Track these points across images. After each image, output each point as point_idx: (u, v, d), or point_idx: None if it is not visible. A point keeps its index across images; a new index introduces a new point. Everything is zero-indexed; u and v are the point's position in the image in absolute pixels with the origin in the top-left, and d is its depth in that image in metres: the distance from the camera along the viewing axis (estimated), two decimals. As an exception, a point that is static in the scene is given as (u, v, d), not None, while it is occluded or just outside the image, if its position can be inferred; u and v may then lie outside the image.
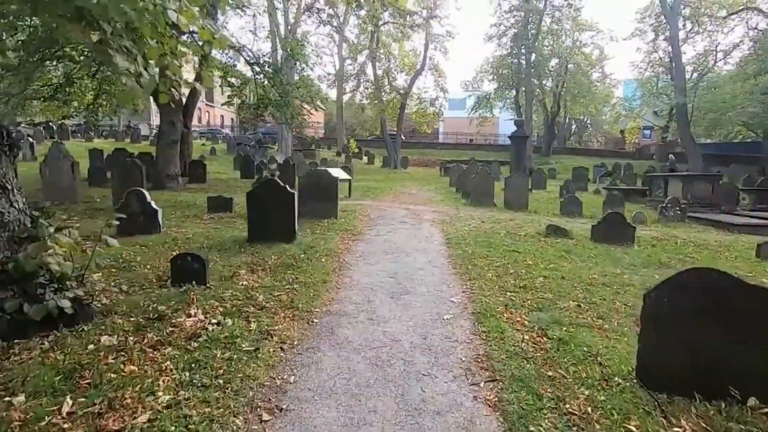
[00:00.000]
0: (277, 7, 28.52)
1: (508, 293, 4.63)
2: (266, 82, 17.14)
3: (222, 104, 21.17)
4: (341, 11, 38.39)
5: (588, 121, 57.98)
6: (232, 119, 58.91)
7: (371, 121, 43.95)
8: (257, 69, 17.05)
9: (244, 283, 4.57)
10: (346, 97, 41.32)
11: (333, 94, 44.22)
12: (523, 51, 33.04)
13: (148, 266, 5.04)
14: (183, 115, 18.70)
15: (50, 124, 26.43)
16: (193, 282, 4.27)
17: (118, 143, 26.69)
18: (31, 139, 21.25)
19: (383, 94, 33.94)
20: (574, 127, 59.44)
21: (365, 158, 35.66)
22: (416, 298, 4.46)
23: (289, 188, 5.99)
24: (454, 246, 6.67)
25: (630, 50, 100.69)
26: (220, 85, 18.20)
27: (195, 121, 54.73)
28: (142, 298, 4.00)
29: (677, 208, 11.49)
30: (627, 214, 12.18)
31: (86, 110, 15.35)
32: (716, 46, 36.19)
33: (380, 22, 32.86)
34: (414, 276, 5.23)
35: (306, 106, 17.71)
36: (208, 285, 4.37)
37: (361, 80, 36.73)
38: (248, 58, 16.79)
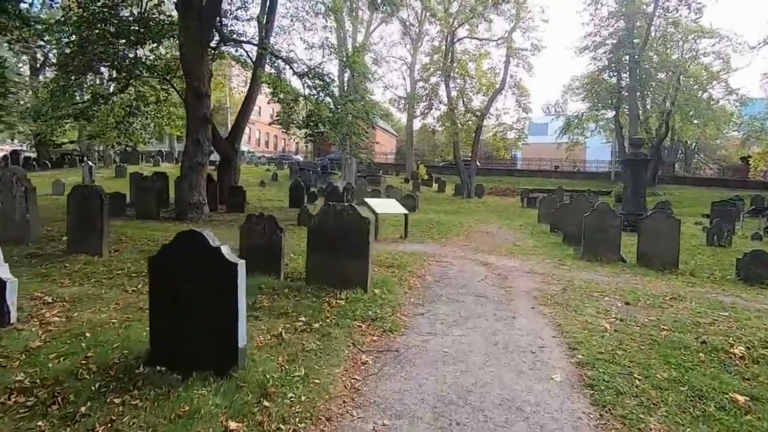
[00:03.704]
0: (347, 28, 26.93)
1: None
2: (317, 96, 14.62)
3: (269, 123, 19.15)
4: (414, 30, 36.37)
5: (696, 147, 49.54)
6: (306, 146, 59.40)
7: (443, 146, 40.70)
8: (308, 82, 14.64)
9: None
10: (416, 122, 38.62)
11: (404, 119, 42.00)
12: (626, 62, 27.80)
13: None
14: (229, 136, 16.92)
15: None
16: None
17: (164, 167, 25.81)
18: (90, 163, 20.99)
19: (457, 115, 30.56)
20: (680, 152, 51.13)
21: (435, 185, 32.30)
22: None
23: (228, 256, 2.71)
24: (607, 394, 2.85)
25: (759, 61, 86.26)
26: (268, 102, 16.16)
27: (268, 147, 55.86)
28: None
29: None
30: None
31: (116, 129, 13.92)
32: None
33: (456, 39, 30.00)
34: None
35: (362, 124, 14.80)
36: None
37: (434, 102, 33.77)
38: (297, 70, 14.44)
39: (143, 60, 13.52)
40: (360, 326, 3.94)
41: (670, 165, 44.23)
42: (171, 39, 14.83)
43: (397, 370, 3.16)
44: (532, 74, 42.80)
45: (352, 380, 2.95)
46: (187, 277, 2.80)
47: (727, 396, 2.82)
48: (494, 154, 37.55)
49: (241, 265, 2.75)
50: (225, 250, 2.74)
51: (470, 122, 31.95)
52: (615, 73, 30.60)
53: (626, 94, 29.17)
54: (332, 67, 18.13)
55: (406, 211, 10.30)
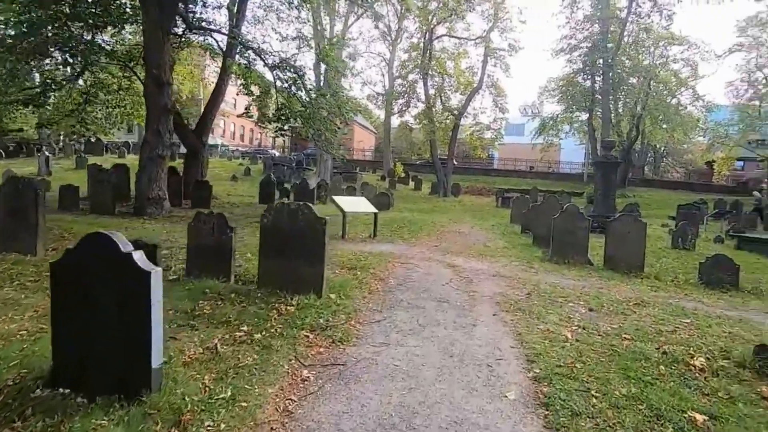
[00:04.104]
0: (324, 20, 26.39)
1: None
2: (289, 90, 14.15)
3: (238, 116, 18.54)
4: (393, 27, 36.05)
5: (665, 150, 51.11)
6: (283, 140, 58.46)
7: (421, 144, 40.61)
8: (279, 75, 14.15)
9: None
10: (394, 119, 38.34)
11: (383, 115, 41.65)
12: (600, 65, 28.27)
13: None
14: (197, 128, 16.26)
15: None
16: None
17: (130, 159, 24.80)
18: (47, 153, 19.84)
19: (434, 114, 30.47)
20: (649, 156, 52.66)
21: (412, 183, 32.20)
22: None
23: (140, 263, 2.36)
24: (562, 415, 2.64)
25: (725, 70, 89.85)
26: (237, 94, 15.59)
27: (243, 141, 54.58)
28: None
29: None
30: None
31: (72, 117, 13.09)
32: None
33: (434, 36, 29.85)
34: None
35: (335, 119, 14.42)
36: None
37: (412, 99, 33.58)
38: (269, 62, 13.92)
39: (102, 45, 12.76)
40: (307, 336, 3.64)
41: (639, 168, 45.49)
42: (135, 24, 14.08)
43: (340, 388, 2.88)
44: (509, 75, 43.11)
45: (287, 401, 2.65)
46: (94, 287, 2.43)
47: (685, 415, 2.66)
48: (471, 153, 37.60)
49: (157, 273, 2.41)
50: (138, 256, 2.39)
51: (448, 121, 31.94)
52: (589, 76, 31.10)
53: (599, 97, 29.69)
54: (309, 62, 17.74)
55: (376, 210, 10.02)
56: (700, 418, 2.65)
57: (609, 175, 14.14)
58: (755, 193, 21.90)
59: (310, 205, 4.78)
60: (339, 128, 14.62)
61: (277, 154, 46.02)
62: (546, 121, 33.76)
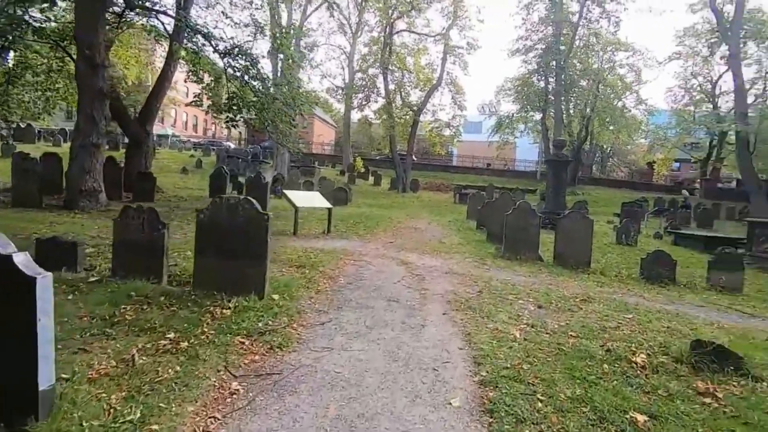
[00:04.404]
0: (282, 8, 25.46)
1: None
2: (242, 78, 13.48)
3: (186, 104, 17.56)
4: (354, 19, 35.56)
5: (611, 150, 54.00)
6: (239, 132, 56.46)
7: (381, 139, 40.44)
8: (231, 62, 13.43)
9: None
10: (354, 113, 37.93)
11: (344, 109, 41.08)
12: (553, 67, 29.23)
13: None
14: (140, 116, 15.21)
15: None
16: None
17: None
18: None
19: (394, 109, 30.38)
20: (597, 155, 55.44)
21: (372, 179, 32.00)
22: None
23: (23, 266, 1.98)
24: (506, 422, 2.53)
25: (665, 76, 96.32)
26: (185, 80, 14.69)
27: (197, 131, 52.14)
28: None
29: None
30: (753, 286, 7.99)
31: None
32: (765, 73, 32.15)
33: (394, 31, 29.71)
34: None
35: (290, 111, 13.91)
36: None
37: (372, 94, 33.32)
38: (219, 48, 13.18)
39: (29, 21, 11.53)
40: (242, 343, 3.34)
41: (588, 167, 47.73)
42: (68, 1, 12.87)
43: (272, 401, 2.62)
44: (468, 73, 43.76)
45: (209, 420, 2.36)
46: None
47: (627, 416, 2.63)
48: (431, 149, 37.93)
49: (44, 278, 2.04)
50: (20, 258, 2.01)
51: (407, 116, 31.98)
52: (543, 78, 32.11)
53: (552, 98, 30.74)
54: (264, 51, 16.93)
55: (330, 206, 9.72)
56: (641, 418, 2.63)
57: (560, 173, 14.60)
58: (684, 191, 23.56)
59: (252, 199, 4.45)
60: (294, 120, 14.10)
61: (233, 146, 44.31)
62: (502, 119, 34.62)
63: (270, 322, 3.80)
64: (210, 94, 14.89)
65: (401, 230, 11.50)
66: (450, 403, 2.71)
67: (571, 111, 35.43)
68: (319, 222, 10.55)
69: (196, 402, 2.49)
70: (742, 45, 27.95)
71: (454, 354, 3.48)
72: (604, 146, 49.02)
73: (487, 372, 3.12)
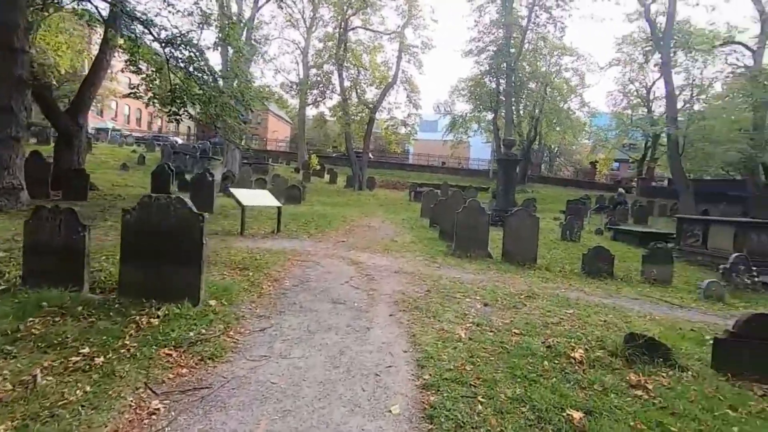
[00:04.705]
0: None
1: None
2: (186, 70, 12.75)
3: (123, 96, 16.45)
4: (308, 14, 34.87)
5: (558, 150, 56.73)
6: (188, 127, 53.82)
7: (336, 137, 40.02)
8: (174, 53, 12.65)
9: None
10: (310, 110, 37.29)
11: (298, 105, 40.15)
12: (504, 69, 30.15)
13: None
14: (71, 107, 14.02)
15: None
16: None
17: None
18: None
19: (349, 106, 30.12)
20: (545, 155, 58.02)
21: (327, 176, 31.56)
22: None
23: None
24: (446, 427, 2.46)
25: (606, 81, 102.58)
26: (122, 70, 13.69)
27: (141, 125, 49.17)
28: None
29: (751, 272, 7.89)
30: (681, 278, 8.55)
31: None
32: (692, 81, 34.98)
33: (350, 27, 29.40)
34: None
35: (237, 105, 13.33)
36: None
37: (327, 90, 32.85)
38: (160, 37, 12.37)
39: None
40: (169, 355, 3.07)
41: (538, 166, 49.87)
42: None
43: (196, 420, 2.40)
44: (423, 72, 44.43)
45: (117, 447, 2.12)
46: None
47: (564, 414, 2.65)
48: (387, 147, 38.04)
49: None
50: None
51: (363, 114, 31.82)
52: (494, 79, 33.02)
53: (503, 98, 31.67)
54: (212, 43, 15.96)
55: (279, 204, 9.40)
56: (576, 415, 2.66)
57: (510, 172, 15.03)
58: (620, 189, 25.18)
59: (184, 198, 4.13)
60: (243, 115, 13.54)
61: (180, 141, 42.18)
62: (456, 119, 35.31)
63: (203, 331, 3.54)
64: (152, 86, 13.97)
65: (354, 229, 11.35)
66: (390, 411, 2.61)
67: (521, 112, 36.77)
68: (270, 221, 10.19)
69: (105, 427, 2.23)
70: (672, 54, 30.15)
71: (398, 357, 3.40)
72: (552, 146, 51.41)
73: (430, 375, 3.06)
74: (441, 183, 28.56)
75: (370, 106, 30.73)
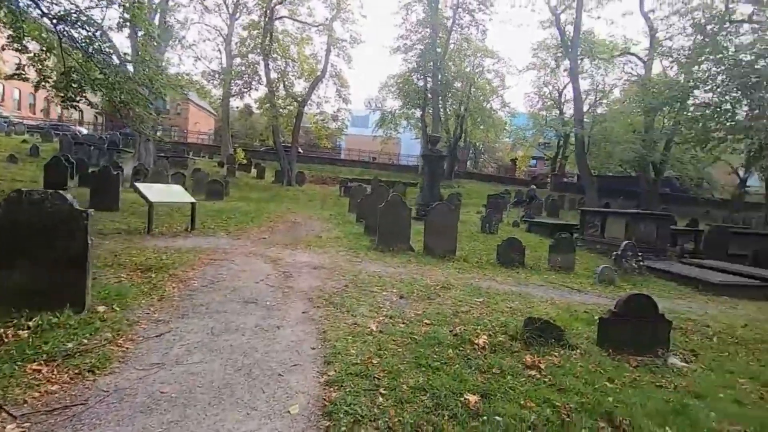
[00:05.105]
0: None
1: None
2: (86, 51, 11.44)
3: (7, 77, 14.46)
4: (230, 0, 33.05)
5: (482, 147, 59.89)
6: (95, 116, 48.56)
7: (264, 130, 38.48)
8: (68, 31, 11.29)
9: None
10: (235, 101, 35.46)
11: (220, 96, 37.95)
12: (431, 67, 31.02)
13: None
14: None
15: None
16: None
17: None
18: None
19: (277, 99, 29.11)
20: (471, 152, 60.86)
21: (255, 171, 30.29)
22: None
23: None
24: (343, 424, 2.44)
25: (524, 83, 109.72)
26: (3, 47, 11.93)
27: (35, 113, 43.48)
28: None
29: (638, 258, 8.90)
30: (582, 265, 9.37)
31: None
32: (597, 86, 38.69)
33: (276, 16, 28.34)
34: None
35: (158, 97, 12.26)
36: None
37: (252, 81, 31.45)
38: (50, 12, 10.96)
39: None
40: (37, 371, 2.70)
41: (464, 162, 52.14)
42: None
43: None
44: (352, 66, 44.05)
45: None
46: None
47: (461, 399, 2.75)
48: (318, 142, 37.46)
49: None
50: None
51: (291, 107, 30.95)
52: (422, 77, 33.84)
53: (431, 96, 32.59)
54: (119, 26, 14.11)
55: (193, 200, 8.80)
56: (472, 399, 2.78)
57: (435, 167, 15.50)
58: (532, 186, 27.39)
59: (64, 193, 3.67)
60: (153, 104, 12.49)
61: (85, 131, 38.04)
62: (385, 115, 35.71)
63: (85, 341, 3.18)
64: (42, 67, 12.35)
65: (278, 225, 11.00)
66: (288, 412, 2.53)
67: (448, 110, 38.14)
68: (186, 219, 9.51)
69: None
70: (579, 61, 33.08)
71: (305, 355, 3.32)
72: (477, 144, 54.02)
73: (335, 371, 3.02)
74: (372, 178, 28.73)
75: (299, 99, 29.98)
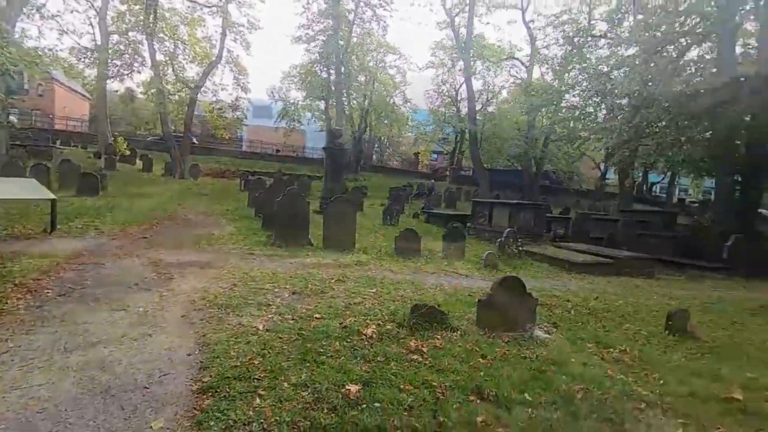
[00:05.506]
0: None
1: None
2: None
3: None
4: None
5: (387, 141, 61.51)
6: None
7: (151, 117, 34.78)
8: None
9: None
10: (114, 83, 31.36)
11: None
12: (333, 60, 30.78)
13: None
14: None
15: None
16: None
17: None
18: None
19: (165, 84, 26.45)
20: (376, 146, 62.03)
21: (140, 163, 27.21)
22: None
23: None
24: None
25: (425, 81, 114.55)
26: None
27: None
28: None
29: (518, 243, 9.89)
30: (471, 252, 10.09)
31: None
32: (488, 86, 42.04)
33: (159, -8, 25.58)
34: None
35: (9, 75, 10.23)
36: None
37: (134, 62, 28.18)
38: None
39: None
40: None
41: (370, 156, 52.94)
42: None
43: None
44: (251, 53, 42.02)
45: None
46: None
47: (342, 391, 2.78)
48: (215, 132, 34.92)
49: None
50: None
51: (182, 93, 28.38)
52: (325, 69, 33.45)
53: (334, 89, 32.39)
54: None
55: (52, 196, 7.59)
56: (354, 389, 2.82)
57: (337, 160, 15.49)
58: (432, 180, 29.23)
59: None
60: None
61: None
62: (288, 106, 34.70)
63: None
64: None
65: (165, 222, 10.05)
66: (151, 427, 2.31)
67: (353, 104, 38.29)
68: (45, 218, 8.18)
69: None
70: (472, 62, 35.53)
71: (179, 363, 3.07)
72: (382, 138, 55.19)
73: (211, 377, 2.84)
74: (275, 171, 27.70)
75: (191, 85, 27.60)
